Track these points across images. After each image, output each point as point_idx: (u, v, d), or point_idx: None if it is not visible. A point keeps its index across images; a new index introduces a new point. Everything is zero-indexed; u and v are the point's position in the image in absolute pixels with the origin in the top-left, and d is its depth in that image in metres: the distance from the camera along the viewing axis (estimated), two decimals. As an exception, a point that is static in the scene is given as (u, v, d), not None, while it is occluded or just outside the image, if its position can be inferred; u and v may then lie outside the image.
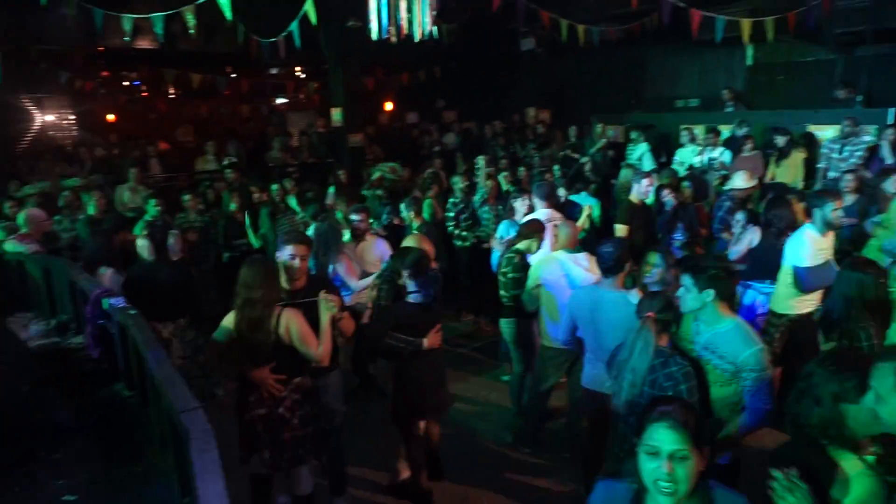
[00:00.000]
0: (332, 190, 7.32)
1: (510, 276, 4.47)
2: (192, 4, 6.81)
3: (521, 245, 4.56)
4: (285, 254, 3.42)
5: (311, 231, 5.57)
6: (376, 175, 8.32)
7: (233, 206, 6.94)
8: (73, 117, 13.65)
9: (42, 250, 5.30)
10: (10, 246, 5.29)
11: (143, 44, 9.24)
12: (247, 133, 13.85)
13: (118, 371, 3.89)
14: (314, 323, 3.22)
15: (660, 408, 1.81)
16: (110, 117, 14.70)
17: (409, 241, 4.18)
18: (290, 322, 3.14)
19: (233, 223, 6.85)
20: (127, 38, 7.18)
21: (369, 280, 4.71)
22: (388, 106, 15.77)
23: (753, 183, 5.99)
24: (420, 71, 13.79)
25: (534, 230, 4.58)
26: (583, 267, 4.00)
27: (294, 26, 7.40)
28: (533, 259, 4.48)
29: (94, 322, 3.85)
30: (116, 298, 3.67)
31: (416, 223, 5.80)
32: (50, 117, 13.25)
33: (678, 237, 5.79)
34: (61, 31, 9.22)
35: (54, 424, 3.32)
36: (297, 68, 15.40)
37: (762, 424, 2.84)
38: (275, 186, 7.44)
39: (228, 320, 3.18)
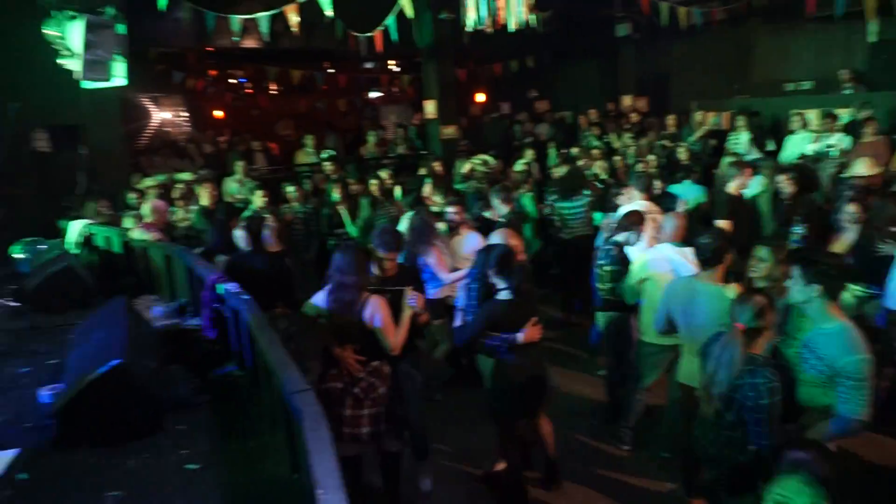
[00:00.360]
0: (427, 181, 7.44)
1: (607, 268, 4.38)
2: (294, 3, 7.10)
3: (619, 237, 4.46)
4: (380, 252, 3.72)
5: (405, 220, 5.71)
6: (466, 167, 8.37)
7: (335, 197, 7.20)
8: (185, 114, 14.63)
9: (164, 238, 5.73)
10: (137, 234, 5.76)
11: (249, 43, 9.72)
12: (343, 126, 14.31)
13: (231, 352, 4.15)
14: (397, 311, 3.48)
15: (794, 455, 1.62)
16: (218, 114, 15.65)
17: (496, 236, 4.15)
18: (375, 309, 3.41)
19: (336, 213, 7.13)
20: (236, 39, 7.59)
21: (460, 274, 4.78)
22: (480, 97, 15.78)
23: (878, 170, 5.54)
24: (512, 61, 13.69)
25: (633, 222, 4.46)
26: (690, 261, 3.86)
27: (391, 20, 7.56)
28: (632, 252, 4.37)
29: (210, 306, 4.13)
30: (230, 284, 3.91)
31: (504, 210, 5.74)
32: (166, 115, 14.26)
33: (797, 230, 5.43)
34: (176, 33, 9.86)
35: (178, 398, 3.59)
36: (391, 62, 15.70)
37: (849, 434, 2.71)
38: (372, 178, 7.66)
39: (320, 298, 3.52)
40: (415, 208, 5.77)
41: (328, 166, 8.50)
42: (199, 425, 3.40)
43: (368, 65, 15.92)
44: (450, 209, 5.20)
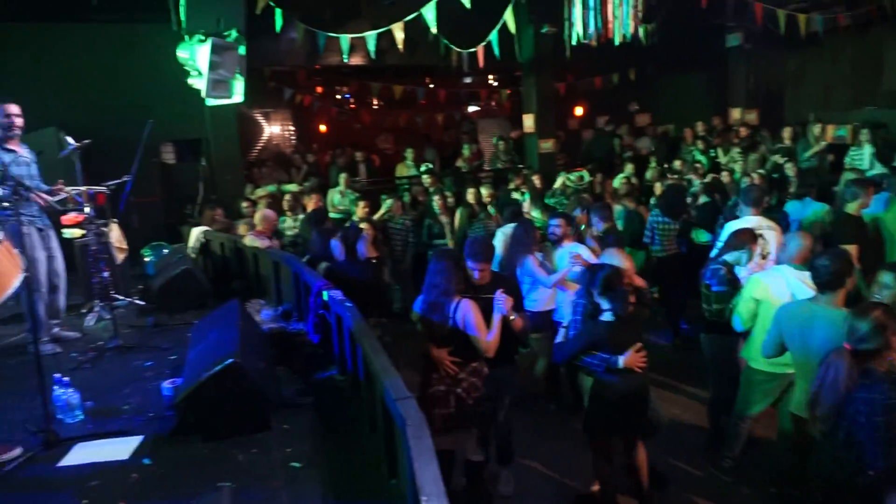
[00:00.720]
0: (526, 196, 7.42)
1: (715, 289, 4.17)
2: (401, 21, 7.34)
3: (728, 256, 4.24)
4: (469, 263, 3.76)
5: (500, 233, 5.72)
6: (559, 182, 8.29)
7: (435, 209, 7.34)
8: (292, 128, 15.43)
9: (273, 245, 6.07)
10: (248, 241, 6.13)
11: (355, 60, 10.13)
12: (442, 140, 14.55)
13: (333, 357, 4.31)
14: (490, 317, 3.55)
15: None
16: (322, 128, 16.39)
17: (607, 256, 4.05)
18: (466, 312, 3.51)
19: (434, 224, 7.28)
20: (345, 58, 7.94)
21: (559, 274, 4.72)
22: (579, 110, 15.57)
23: None
24: (614, 74, 13.43)
25: (744, 240, 4.23)
26: (810, 286, 3.62)
27: (493, 36, 7.64)
28: (743, 272, 4.14)
29: (315, 311, 4.32)
30: (335, 291, 4.07)
31: (603, 227, 5.63)
32: (275, 129, 15.10)
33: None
34: (289, 53, 10.45)
35: (283, 399, 3.77)
36: (490, 76, 15.83)
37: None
38: (469, 190, 7.74)
39: (418, 304, 3.74)
40: (514, 220, 5.76)
41: (427, 179, 8.68)
42: (303, 426, 3.56)
43: (467, 79, 16.14)
44: (554, 221, 5.14)
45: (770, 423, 4.14)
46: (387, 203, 7.55)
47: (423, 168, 9.99)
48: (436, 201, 7.37)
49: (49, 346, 4.81)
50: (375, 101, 16.00)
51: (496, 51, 7.94)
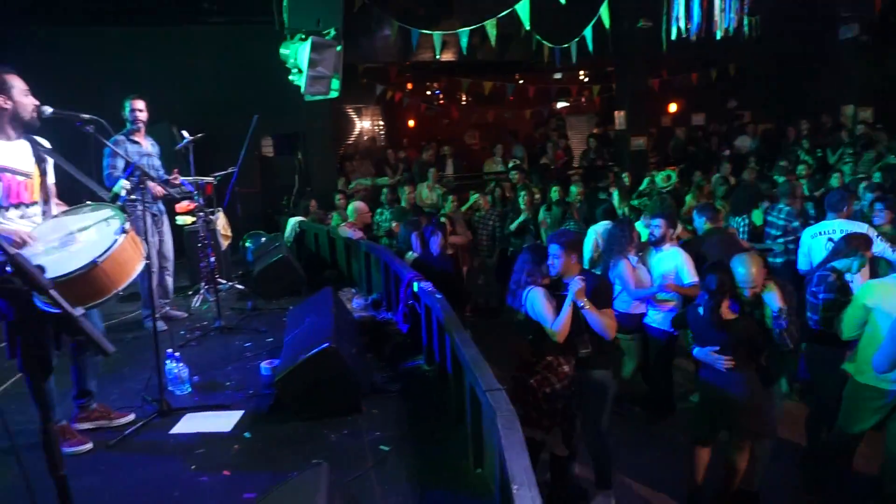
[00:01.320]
0: (615, 194, 7.28)
1: (822, 296, 3.95)
2: (494, 18, 7.37)
3: (838, 263, 4.00)
4: (550, 249, 3.74)
5: (592, 231, 5.64)
6: (646, 182, 8.05)
7: (522, 205, 7.33)
8: (382, 123, 15.79)
9: (364, 237, 6.26)
10: (342, 231, 6.36)
11: (446, 56, 10.25)
12: (531, 136, 14.46)
13: (420, 347, 4.41)
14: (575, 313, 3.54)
15: None
16: (411, 123, 16.67)
17: (738, 261, 3.83)
18: (534, 298, 3.58)
19: (522, 220, 7.27)
20: (437, 54, 8.06)
21: (647, 292, 4.63)
22: (673, 107, 15.04)
23: None
24: (712, 69, 12.87)
25: (856, 246, 3.98)
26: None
27: (587, 31, 7.53)
28: (856, 279, 3.90)
29: (405, 301, 4.44)
30: (425, 283, 4.16)
31: (707, 227, 5.40)
32: (366, 124, 15.51)
33: None
34: (382, 49, 10.70)
35: (373, 384, 3.91)
36: (581, 72, 15.56)
37: None
38: (555, 187, 7.67)
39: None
40: (608, 219, 5.66)
41: (514, 175, 8.68)
42: (391, 412, 3.68)
43: (557, 75, 15.93)
44: (655, 222, 4.97)
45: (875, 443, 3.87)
46: (473, 198, 7.61)
47: (510, 164, 9.98)
48: (523, 198, 7.35)
49: (159, 324, 5.20)
50: (464, 97, 16.09)
51: (590, 46, 7.81)
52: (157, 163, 5.29)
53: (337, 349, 3.44)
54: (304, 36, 7.13)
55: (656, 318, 4.81)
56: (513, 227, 7.20)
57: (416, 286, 4.26)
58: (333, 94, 7.72)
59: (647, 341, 5.00)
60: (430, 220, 6.42)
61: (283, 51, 7.29)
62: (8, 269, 1.11)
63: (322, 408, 3.55)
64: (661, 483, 4.21)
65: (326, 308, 4.15)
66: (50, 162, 3.10)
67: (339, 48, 7.44)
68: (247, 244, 7.12)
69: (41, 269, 1.21)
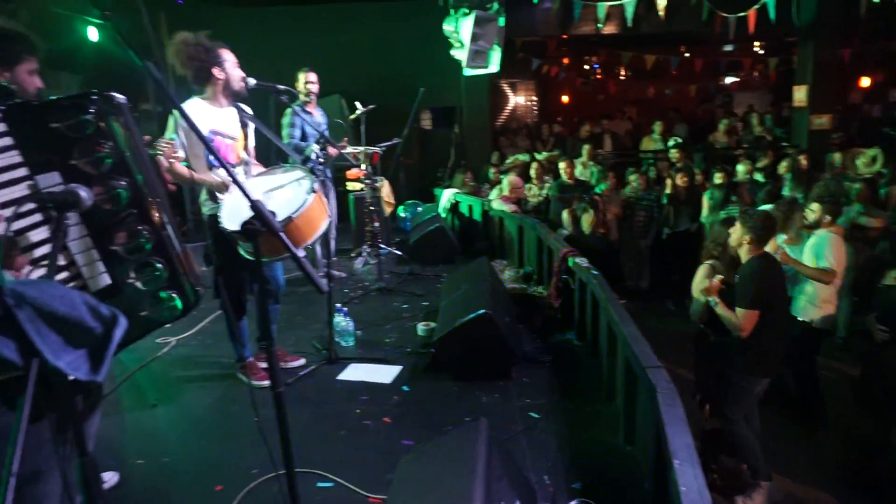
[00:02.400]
0: (788, 176, 6.69)
1: None
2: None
3: None
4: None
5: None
6: (862, 160, 7.22)
7: (679, 185, 6.98)
8: (535, 99, 15.65)
9: (518, 210, 6.33)
10: (495, 205, 6.48)
11: (608, 29, 9.91)
12: (694, 113, 13.62)
13: (571, 322, 4.42)
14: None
15: None
16: (565, 99, 16.36)
17: None
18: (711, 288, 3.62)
19: (676, 202, 6.93)
20: (600, 25, 7.83)
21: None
22: (865, 81, 13.37)
23: None
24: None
25: None
26: None
27: (770, -3, 6.90)
28: None
29: (558, 276, 4.46)
30: (580, 258, 4.15)
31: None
32: (520, 99, 15.47)
33: None
34: (543, 23, 10.56)
35: (525, 354, 4.00)
36: (756, 44, 14.28)
37: None
38: (718, 169, 7.19)
39: None
40: (771, 202, 5.24)
41: (675, 154, 8.25)
42: (541, 382, 3.74)
43: (728, 47, 14.77)
44: (811, 206, 4.52)
45: None
46: (632, 178, 7.36)
47: (670, 142, 9.49)
48: (679, 179, 6.98)
49: (323, 281, 5.67)
50: (623, 72, 15.48)
51: (771, 14, 7.16)
52: (326, 132, 5.72)
53: (492, 315, 3.56)
54: (467, 10, 7.27)
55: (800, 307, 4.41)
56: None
57: (570, 261, 4.26)
58: (493, 68, 7.81)
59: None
60: (584, 197, 6.33)
61: (446, 25, 7.48)
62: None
63: (475, 371, 3.71)
64: (816, 481, 3.93)
65: (482, 277, 4.28)
66: (251, 127, 3.48)
67: (500, 21, 7.49)
68: (403, 213, 7.48)
69: (273, 214, 1.41)
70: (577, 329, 4.32)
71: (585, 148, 8.99)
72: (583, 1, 7.96)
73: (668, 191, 6.98)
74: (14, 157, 1.13)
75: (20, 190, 1.14)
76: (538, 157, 8.87)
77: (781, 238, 4.45)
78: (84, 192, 1.11)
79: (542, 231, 5.28)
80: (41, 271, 1.09)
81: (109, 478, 2.67)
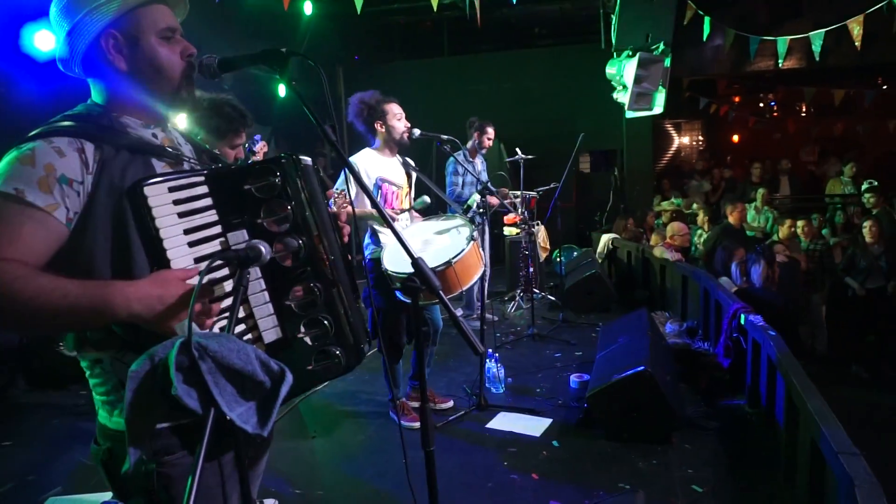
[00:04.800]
0: None
1: None
2: (861, 13, 6.32)
3: None
4: None
5: None
6: None
7: (866, 236, 6.16)
8: (702, 139, 14.81)
9: (682, 258, 5.95)
10: (658, 251, 6.15)
11: (788, 63, 9.14)
12: (889, 153, 12.08)
13: (743, 386, 4.01)
14: None
15: None
16: (735, 138, 15.28)
17: None
18: None
19: (866, 254, 6.09)
20: (780, 61, 7.25)
21: None
22: None
23: None
24: None
25: None
26: None
27: None
28: None
29: (728, 333, 4.08)
30: (755, 316, 3.76)
31: None
32: (685, 140, 14.74)
33: None
34: (712, 61, 10.03)
35: (687, 418, 3.68)
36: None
37: None
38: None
39: None
40: None
41: (870, 198, 7.31)
42: (706, 451, 3.41)
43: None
44: None
45: None
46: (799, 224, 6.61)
47: (864, 185, 8.43)
48: (867, 228, 6.12)
49: (475, 324, 5.69)
50: (804, 108, 14.17)
51: None
52: (485, 178, 5.82)
53: (653, 374, 3.33)
54: (631, 52, 7.10)
55: None
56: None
57: (742, 318, 3.88)
58: (657, 110, 7.52)
59: None
60: (755, 246, 5.79)
61: (608, 69, 7.36)
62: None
63: (631, 431, 3.48)
64: None
65: (642, 330, 4.04)
66: (414, 176, 3.64)
67: (666, 62, 7.22)
68: (559, 257, 7.34)
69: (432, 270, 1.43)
70: (748, 394, 3.89)
71: (760, 191, 8.30)
72: (760, 36, 7.43)
73: (868, 238, 6.15)
74: (212, 216, 1.25)
75: (213, 246, 1.25)
76: (697, 201, 8.33)
77: None
78: (264, 248, 1.19)
79: (710, 282, 4.90)
80: (222, 323, 1.17)
81: (270, 505, 2.83)
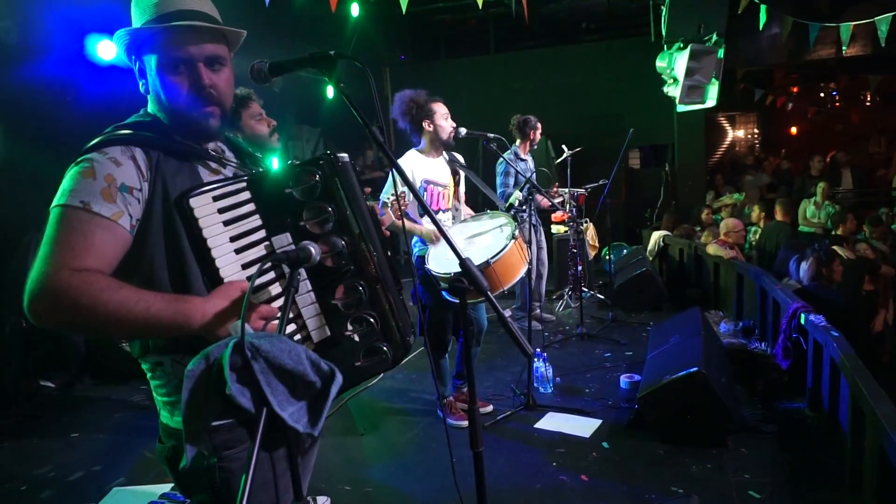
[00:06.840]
0: None
1: None
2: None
3: None
4: None
5: None
6: None
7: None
8: (757, 132, 14.30)
9: (736, 256, 5.76)
10: (711, 249, 5.97)
11: (851, 51, 8.72)
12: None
13: (803, 388, 3.85)
14: None
15: None
16: (793, 130, 14.71)
17: None
18: None
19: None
20: (844, 48, 6.94)
21: None
22: None
23: None
24: None
25: None
26: None
27: None
28: None
29: (787, 334, 3.92)
30: (817, 316, 3.61)
31: None
32: (739, 133, 14.27)
33: None
34: (769, 50, 9.68)
35: (743, 420, 3.56)
36: None
37: None
38: None
39: None
40: None
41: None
42: (763, 455, 3.29)
43: None
44: None
45: None
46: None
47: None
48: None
49: (534, 325, 5.63)
50: (868, 97, 13.52)
51: None
52: (534, 176, 5.75)
53: (706, 375, 3.24)
54: (682, 44, 6.90)
55: None
56: None
57: (803, 318, 3.73)
58: (710, 103, 7.29)
59: None
60: (813, 243, 5.55)
61: (658, 62, 7.17)
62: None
63: (684, 434, 3.39)
64: None
65: (695, 329, 3.94)
66: (462, 174, 3.63)
67: (719, 54, 6.98)
68: (608, 255, 7.21)
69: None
70: (809, 398, 3.74)
71: (820, 185, 7.96)
72: (822, 23, 7.10)
73: None
74: (255, 220, 1.28)
75: (258, 251, 1.27)
76: (753, 196, 8.03)
77: None
78: (314, 249, 1.21)
79: (767, 281, 4.72)
80: (273, 324, 1.19)
81: (322, 502, 2.87)
